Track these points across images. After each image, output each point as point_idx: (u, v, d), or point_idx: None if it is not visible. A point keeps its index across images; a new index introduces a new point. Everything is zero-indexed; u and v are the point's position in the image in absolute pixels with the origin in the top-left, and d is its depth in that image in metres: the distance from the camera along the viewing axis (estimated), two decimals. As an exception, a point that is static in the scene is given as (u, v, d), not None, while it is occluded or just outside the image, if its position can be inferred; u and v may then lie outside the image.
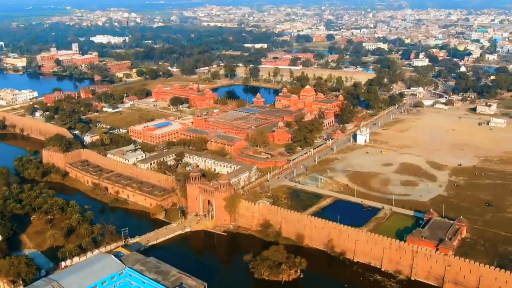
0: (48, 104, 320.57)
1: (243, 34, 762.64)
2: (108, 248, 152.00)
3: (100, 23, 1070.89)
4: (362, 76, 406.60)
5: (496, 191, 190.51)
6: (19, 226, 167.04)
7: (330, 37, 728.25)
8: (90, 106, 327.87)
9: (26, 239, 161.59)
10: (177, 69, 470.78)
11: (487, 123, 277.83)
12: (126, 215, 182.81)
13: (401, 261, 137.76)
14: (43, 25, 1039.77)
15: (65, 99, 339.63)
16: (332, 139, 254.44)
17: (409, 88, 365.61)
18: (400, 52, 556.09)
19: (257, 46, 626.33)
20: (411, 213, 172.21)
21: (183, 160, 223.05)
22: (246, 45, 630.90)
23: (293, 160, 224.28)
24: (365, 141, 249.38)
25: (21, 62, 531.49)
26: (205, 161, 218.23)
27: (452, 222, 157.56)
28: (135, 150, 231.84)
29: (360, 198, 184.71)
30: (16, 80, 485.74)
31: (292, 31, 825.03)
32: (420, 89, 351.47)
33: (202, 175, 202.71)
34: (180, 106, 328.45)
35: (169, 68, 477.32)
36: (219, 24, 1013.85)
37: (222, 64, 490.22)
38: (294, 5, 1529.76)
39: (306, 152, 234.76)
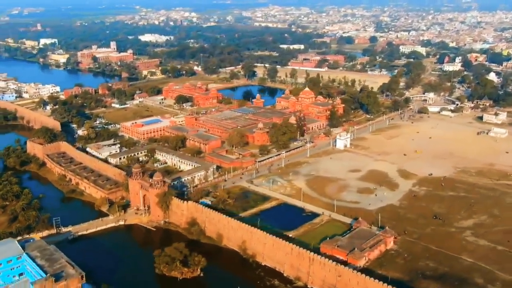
0: (60, 99, 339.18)
1: (286, 35, 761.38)
2: (40, 234, 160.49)
3: (156, 22, 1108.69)
4: (381, 79, 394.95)
5: (454, 204, 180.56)
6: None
7: (373, 39, 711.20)
8: (101, 101, 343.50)
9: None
10: (201, 68, 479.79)
11: (487, 133, 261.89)
12: (79, 205, 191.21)
13: (300, 267, 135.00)
14: (104, 23, 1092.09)
15: (81, 94, 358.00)
16: (312, 142, 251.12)
17: (424, 93, 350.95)
18: (437, 56, 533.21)
19: (294, 47, 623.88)
20: (348, 220, 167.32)
21: (154, 156, 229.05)
22: (282, 46, 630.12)
23: (260, 161, 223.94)
24: (345, 145, 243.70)
25: (63, 59, 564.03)
26: (172, 159, 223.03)
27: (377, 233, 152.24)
28: (113, 145, 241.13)
29: (306, 203, 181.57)
30: (56, 74, 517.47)
31: (337, 32, 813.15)
32: (431, 94, 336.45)
33: (165, 171, 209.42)
34: (184, 104, 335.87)
35: (195, 67, 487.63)
36: (270, 25, 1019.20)
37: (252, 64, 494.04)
38: (356, 6, 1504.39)
39: (279, 154, 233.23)
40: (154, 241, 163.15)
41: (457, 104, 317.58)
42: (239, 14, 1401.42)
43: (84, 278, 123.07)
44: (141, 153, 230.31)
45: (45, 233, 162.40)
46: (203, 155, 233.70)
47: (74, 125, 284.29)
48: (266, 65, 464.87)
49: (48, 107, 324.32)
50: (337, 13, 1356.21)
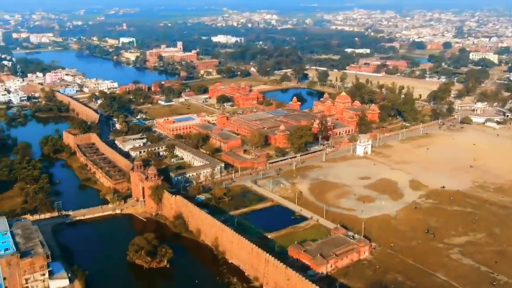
0: (113, 93, 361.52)
1: (356, 38, 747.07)
2: (43, 216, 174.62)
3: (235, 24, 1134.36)
4: (436, 86, 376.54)
5: (455, 219, 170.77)
6: (2, 190, 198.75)
7: (447, 45, 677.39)
8: (149, 98, 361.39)
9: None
10: (256, 70, 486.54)
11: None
12: (90, 193, 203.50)
13: (258, 268, 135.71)
14: (186, 24, 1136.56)
15: (133, 90, 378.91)
16: (334, 147, 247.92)
17: (476, 103, 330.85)
18: (509, 64, 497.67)
19: (359, 51, 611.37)
20: (332, 226, 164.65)
21: (173, 152, 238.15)
22: (347, 50, 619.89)
23: (272, 163, 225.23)
24: (365, 152, 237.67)
25: (133, 57, 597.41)
26: (187, 155, 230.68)
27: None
28: (140, 139, 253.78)
29: (300, 206, 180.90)
30: (125, 71, 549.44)
31: (411, 37, 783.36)
32: (479, 104, 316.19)
33: (179, 166, 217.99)
34: (225, 104, 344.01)
35: (252, 68, 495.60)
36: (346, 28, 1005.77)
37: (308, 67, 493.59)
38: (445, 11, 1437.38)
39: (294, 157, 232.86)
40: (142, 231, 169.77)
41: (507, 116, 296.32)
42: (321, 17, 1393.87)
43: (49, 258, 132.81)
44: (161, 148, 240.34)
45: (48, 215, 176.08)
46: (221, 153, 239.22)
47: (115, 119, 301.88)
48: (318, 68, 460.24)
49: (99, 101, 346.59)
50: (422, 18, 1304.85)
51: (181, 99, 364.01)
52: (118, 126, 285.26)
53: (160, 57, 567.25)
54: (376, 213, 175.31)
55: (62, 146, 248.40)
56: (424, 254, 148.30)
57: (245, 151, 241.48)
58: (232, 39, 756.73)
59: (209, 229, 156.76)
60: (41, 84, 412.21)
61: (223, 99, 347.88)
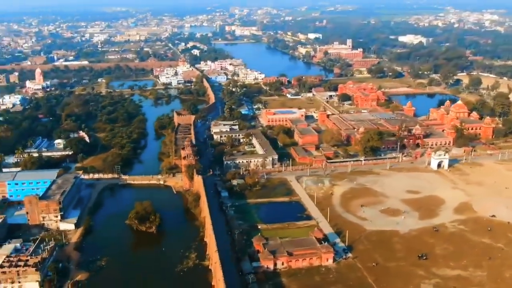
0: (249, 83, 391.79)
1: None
2: (105, 176, 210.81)
3: (440, 24, 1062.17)
4: None
5: (469, 251, 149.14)
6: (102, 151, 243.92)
7: None
8: (279, 90, 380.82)
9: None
10: (408, 71, 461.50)
11: None
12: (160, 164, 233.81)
13: (211, 253, 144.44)
14: (389, 23, 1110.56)
15: (273, 82, 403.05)
16: (410, 156, 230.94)
17: None
18: None
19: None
20: (328, 231, 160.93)
21: (250, 139, 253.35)
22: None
23: (331, 162, 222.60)
24: (442, 166, 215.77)
25: (306, 52, 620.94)
26: (257, 144, 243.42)
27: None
28: (233, 125, 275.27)
29: (315, 206, 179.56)
30: (295, 64, 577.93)
31: None
32: None
33: (244, 153, 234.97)
34: (344, 102, 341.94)
35: (406, 70, 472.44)
36: None
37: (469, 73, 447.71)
38: None
39: (359, 160, 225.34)
40: (165, 201, 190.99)
41: None
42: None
43: (61, 204, 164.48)
44: (241, 135, 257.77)
45: (110, 175, 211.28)
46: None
47: (233, 106, 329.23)
48: (471, 74, 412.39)
49: (234, 89, 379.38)
50: None
51: (309, 94, 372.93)
52: (225, 112, 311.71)
53: (326, 53, 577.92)
54: (387, 228, 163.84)
55: (168, 123, 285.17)
56: (394, 277, 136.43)
57: (317, 148, 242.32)
58: (418, 39, 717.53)
59: (203, 211, 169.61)
60: (201, 71, 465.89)
61: (344, 97, 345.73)
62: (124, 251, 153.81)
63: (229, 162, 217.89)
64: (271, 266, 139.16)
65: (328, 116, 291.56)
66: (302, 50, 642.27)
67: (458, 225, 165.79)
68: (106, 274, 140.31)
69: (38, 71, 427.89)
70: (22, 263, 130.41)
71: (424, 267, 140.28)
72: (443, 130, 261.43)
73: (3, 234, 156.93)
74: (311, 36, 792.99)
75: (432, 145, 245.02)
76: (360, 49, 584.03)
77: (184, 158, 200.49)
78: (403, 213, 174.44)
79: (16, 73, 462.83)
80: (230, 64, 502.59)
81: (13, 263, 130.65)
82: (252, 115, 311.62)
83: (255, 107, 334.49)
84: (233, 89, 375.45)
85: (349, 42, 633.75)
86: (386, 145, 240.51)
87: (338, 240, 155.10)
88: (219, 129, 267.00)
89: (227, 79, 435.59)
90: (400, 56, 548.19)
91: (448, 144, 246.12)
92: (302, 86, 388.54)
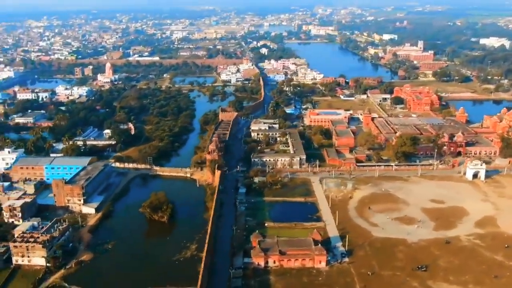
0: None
1: None
2: (138, 166, 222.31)
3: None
4: None
5: (476, 267, 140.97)
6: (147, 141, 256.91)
7: None
8: (334, 91, 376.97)
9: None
10: (475, 75, 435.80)
11: None
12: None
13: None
14: (476, 24, 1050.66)
15: (329, 82, 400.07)
16: (446, 164, 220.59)
17: None
18: None
19: None
20: (333, 234, 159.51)
21: (286, 139, 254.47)
22: None
23: (360, 166, 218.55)
24: (477, 177, 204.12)
25: (374, 52, 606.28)
26: (290, 143, 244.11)
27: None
28: (273, 123, 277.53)
29: (330, 210, 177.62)
30: (363, 65, 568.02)
31: None
32: None
33: (276, 151, 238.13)
34: (397, 105, 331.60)
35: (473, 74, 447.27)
36: None
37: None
38: None
39: (391, 165, 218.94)
40: (186, 193, 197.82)
41: None
42: None
43: (83, 189, 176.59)
44: (277, 134, 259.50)
45: (143, 166, 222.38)
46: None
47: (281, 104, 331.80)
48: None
49: (287, 89, 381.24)
50: None
51: (363, 96, 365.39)
52: (269, 110, 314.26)
53: (395, 55, 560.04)
54: (395, 235, 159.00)
55: (212, 119, 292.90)
56: (384, 286, 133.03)
57: (351, 150, 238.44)
58: (500, 42, 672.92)
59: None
60: (262, 69, 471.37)
61: (397, 100, 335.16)
62: (132, 237, 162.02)
63: (256, 159, 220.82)
64: (262, 264, 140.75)
65: (373, 119, 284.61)
66: (371, 51, 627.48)
67: (474, 239, 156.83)
68: (109, 256, 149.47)
69: (108, 65, 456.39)
70: (32, 240, 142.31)
71: (420, 279, 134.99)
72: (491, 139, 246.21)
73: (33, 212, 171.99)
74: (386, 37, 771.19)
75: (475, 154, 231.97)
76: (431, 52, 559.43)
77: (209, 153, 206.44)
78: (418, 222, 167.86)
79: (91, 67, 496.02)
80: (293, 63, 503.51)
81: (25, 239, 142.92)
82: (297, 114, 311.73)
83: (304, 106, 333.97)
84: (286, 88, 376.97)
85: (420, 43, 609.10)
86: (425, 151, 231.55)
87: (339, 244, 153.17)
88: (258, 127, 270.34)
89: (285, 78, 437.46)
90: (473, 59, 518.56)
91: (494, 154, 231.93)
92: (358, 87, 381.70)
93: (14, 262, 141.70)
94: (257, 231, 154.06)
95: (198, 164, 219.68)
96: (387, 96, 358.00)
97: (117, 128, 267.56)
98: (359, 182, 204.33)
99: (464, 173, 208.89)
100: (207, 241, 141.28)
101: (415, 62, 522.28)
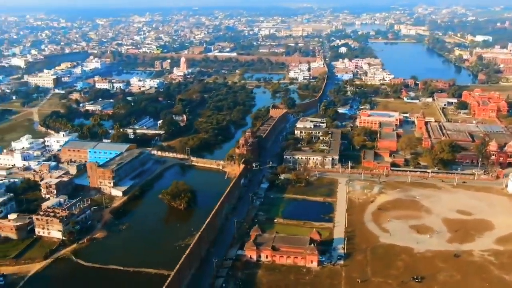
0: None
1: None
2: (177, 155, 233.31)
3: None
4: None
5: (480, 284, 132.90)
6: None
7: None
8: (399, 92, 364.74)
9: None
10: None
11: None
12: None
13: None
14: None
15: (397, 83, 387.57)
16: (490, 174, 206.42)
17: None
18: None
19: None
20: (338, 236, 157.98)
21: (327, 138, 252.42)
22: None
23: (395, 170, 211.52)
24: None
25: (458, 54, 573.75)
26: (330, 143, 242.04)
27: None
28: (320, 122, 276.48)
29: (345, 212, 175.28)
30: (446, 68, 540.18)
31: None
32: None
33: (313, 150, 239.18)
34: (460, 110, 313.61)
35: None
36: None
37: None
38: None
39: (427, 172, 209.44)
40: (213, 184, 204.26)
41: None
42: None
43: (113, 173, 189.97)
44: (319, 132, 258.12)
45: (181, 156, 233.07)
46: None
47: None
48: None
49: (349, 88, 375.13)
50: None
51: (429, 99, 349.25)
52: (320, 109, 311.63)
53: (481, 57, 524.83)
54: (403, 243, 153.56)
55: (265, 115, 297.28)
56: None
57: (391, 154, 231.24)
58: None
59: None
60: (332, 68, 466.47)
61: (461, 105, 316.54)
62: (147, 221, 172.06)
63: (288, 157, 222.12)
64: (254, 257, 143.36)
65: (426, 123, 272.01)
66: (456, 53, 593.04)
67: (488, 255, 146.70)
68: (120, 236, 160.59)
69: (182, 60, 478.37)
70: (52, 214, 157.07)
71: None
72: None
73: (68, 191, 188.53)
74: (480, 38, 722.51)
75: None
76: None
77: (238, 147, 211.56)
78: (434, 232, 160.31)
79: (169, 60, 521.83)
80: (367, 63, 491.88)
81: (47, 213, 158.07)
82: (351, 115, 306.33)
83: (361, 107, 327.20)
84: (348, 88, 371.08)
85: (510, 46, 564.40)
86: (470, 160, 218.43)
87: (340, 246, 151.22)
88: (303, 125, 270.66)
89: (356, 77, 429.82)
90: None
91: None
92: (426, 90, 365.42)
93: (36, 233, 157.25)
94: (256, 225, 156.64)
95: (231, 158, 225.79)
96: (453, 100, 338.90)
97: (170, 119, 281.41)
98: (387, 186, 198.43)
99: (506, 186, 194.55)
100: (201, 230, 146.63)
101: (501, 65, 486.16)
